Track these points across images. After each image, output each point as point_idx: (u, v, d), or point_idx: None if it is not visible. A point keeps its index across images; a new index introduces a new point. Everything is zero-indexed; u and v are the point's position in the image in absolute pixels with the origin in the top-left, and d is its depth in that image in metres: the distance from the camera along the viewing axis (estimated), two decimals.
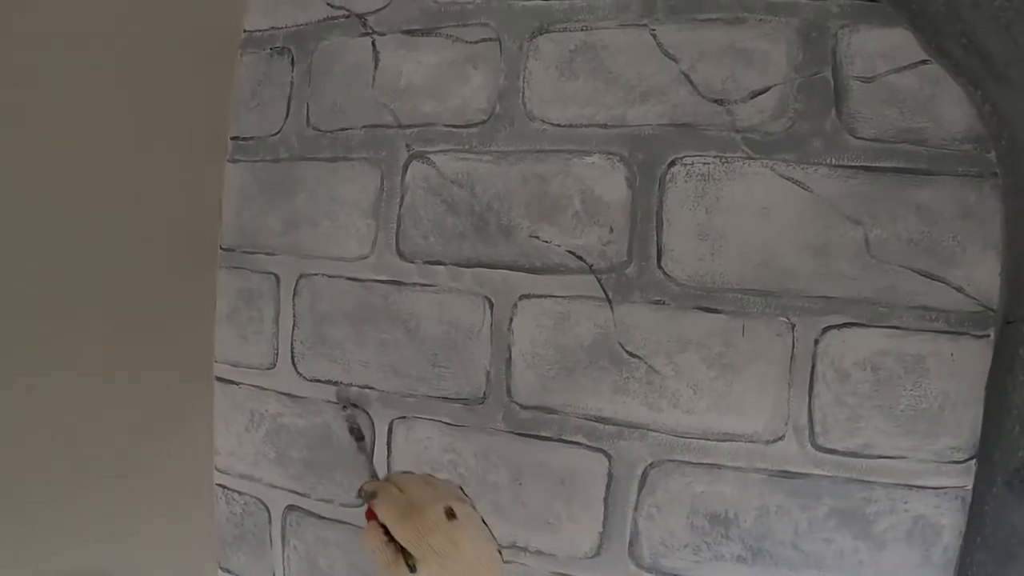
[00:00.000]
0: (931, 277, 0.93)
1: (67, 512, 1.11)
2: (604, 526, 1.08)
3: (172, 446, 1.29)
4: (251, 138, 1.34)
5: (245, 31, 1.35)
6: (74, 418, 1.11)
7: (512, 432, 1.13)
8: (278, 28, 1.32)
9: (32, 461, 1.06)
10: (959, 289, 0.92)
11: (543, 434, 1.11)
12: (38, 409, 1.07)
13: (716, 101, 1.01)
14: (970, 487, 0.92)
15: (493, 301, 1.14)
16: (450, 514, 0.70)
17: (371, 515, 0.75)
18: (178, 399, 1.31)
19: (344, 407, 1.11)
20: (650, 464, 1.05)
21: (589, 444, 1.08)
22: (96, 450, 1.15)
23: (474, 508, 0.74)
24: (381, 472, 0.82)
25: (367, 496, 0.76)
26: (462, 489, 0.77)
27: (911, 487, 0.94)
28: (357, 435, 1.02)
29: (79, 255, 1.11)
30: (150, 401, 1.23)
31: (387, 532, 0.71)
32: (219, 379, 1.37)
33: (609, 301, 1.07)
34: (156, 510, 1.25)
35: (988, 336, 0.91)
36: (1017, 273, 0.88)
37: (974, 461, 0.92)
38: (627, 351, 1.06)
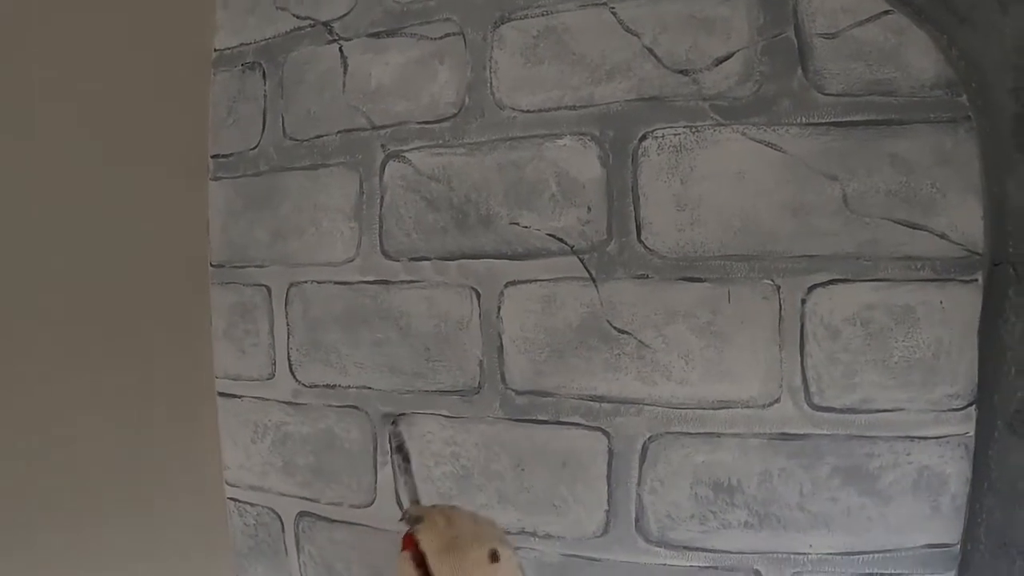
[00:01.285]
0: (913, 226, 0.93)
1: (82, 540, 1.12)
2: (609, 504, 1.08)
3: (181, 465, 1.31)
4: (231, 154, 1.35)
5: (216, 50, 1.37)
6: (80, 445, 1.13)
7: (510, 419, 1.14)
8: (247, 44, 1.33)
9: (41, 490, 1.07)
10: (942, 236, 0.92)
11: (540, 418, 1.12)
12: (44, 439, 1.08)
13: (681, 72, 1.02)
14: (972, 433, 0.92)
15: (480, 291, 1.15)
16: (493, 557, 0.71)
17: (409, 542, 0.75)
18: (183, 418, 1.32)
19: (393, 422, 1.14)
20: (649, 438, 1.05)
21: (587, 424, 1.09)
22: (105, 476, 1.16)
23: (514, 553, 0.75)
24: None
25: (412, 520, 0.76)
26: (504, 533, 0.78)
27: (912, 438, 0.94)
28: (404, 456, 1.05)
29: (70, 286, 1.12)
30: (155, 423, 1.25)
31: (418, 563, 0.71)
32: (221, 394, 1.39)
33: (593, 280, 1.07)
34: (171, 530, 1.26)
35: (976, 280, 0.91)
36: (999, 214, 0.88)
37: (973, 407, 0.92)
38: (615, 328, 1.06)
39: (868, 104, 0.94)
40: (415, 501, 0.99)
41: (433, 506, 0.79)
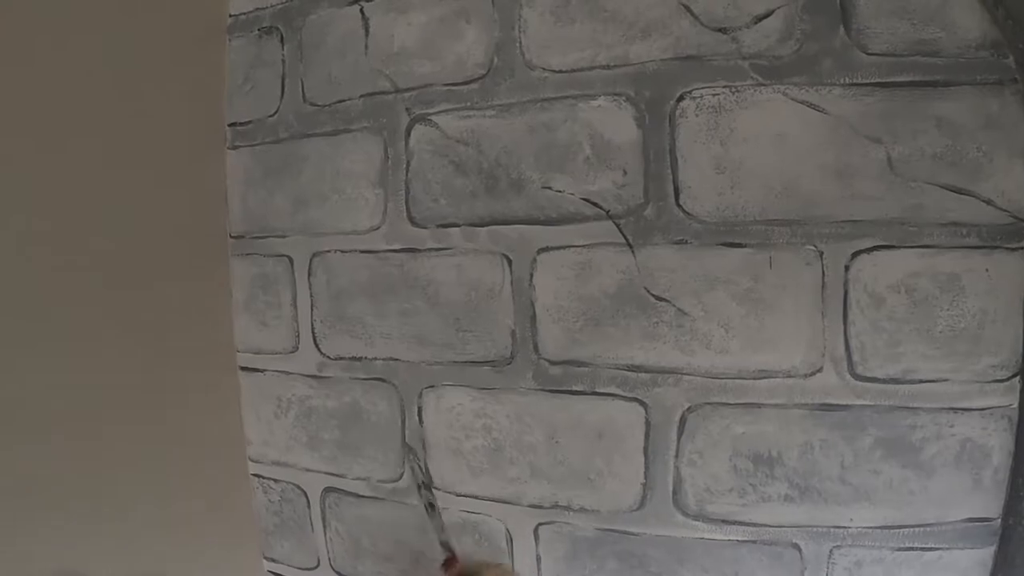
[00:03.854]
0: (959, 191, 0.90)
1: (103, 520, 1.11)
2: (646, 477, 1.06)
3: (204, 442, 1.29)
4: (249, 122, 1.32)
5: (231, 15, 1.33)
6: (101, 424, 1.11)
7: (544, 390, 1.11)
8: (263, 8, 1.30)
9: (63, 470, 1.06)
10: (989, 202, 0.89)
11: (575, 389, 1.09)
12: (64, 417, 1.06)
13: (719, 30, 0.98)
14: (1016, 405, 0.90)
15: (511, 258, 1.11)
16: None
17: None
18: (205, 393, 1.30)
19: (412, 454, 1.14)
20: (687, 409, 1.02)
21: (624, 394, 1.06)
22: (126, 454, 1.14)
23: None
24: None
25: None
26: None
27: (956, 410, 0.92)
28: (430, 492, 1.11)
29: (89, 260, 1.11)
30: (177, 400, 1.23)
31: None
32: (243, 368, 1.37)
33: (630, 246, 1.04)
34: (195, 509, 1.25)
35: (1023, 248, 0.88)
36: None
37: (1018, 378, 0.89)
38: (653, 295, 1.03)
39: (912, 64, 0.90)
40: (444, 542, 1.07)
41: (484, 563, 0.79)
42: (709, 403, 1.02)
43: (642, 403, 1.05)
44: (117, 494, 1.13)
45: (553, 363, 1.11)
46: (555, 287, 1.09)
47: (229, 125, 1.35)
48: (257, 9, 1.31)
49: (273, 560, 1.39)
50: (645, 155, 1.03)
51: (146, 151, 1.19)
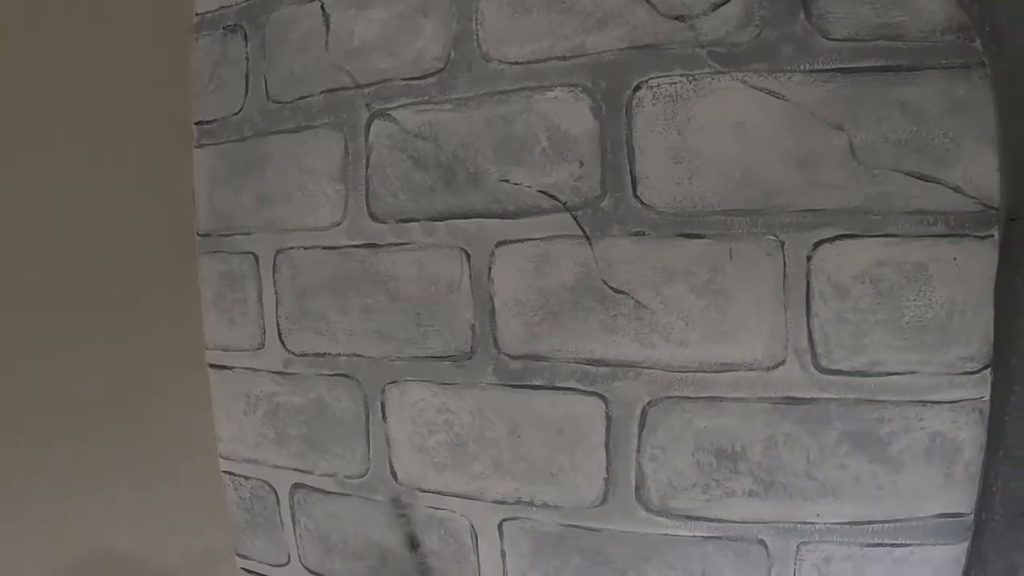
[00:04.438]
0: (925, 179, 0.88)
1: (75, 517, 1.11)
2: (608, 472, 1.05)
3: (175, 440, 1.29)
4: (214, 120, 1.32)
5: (197, 14, 1.33)
6: (71, 421, 1.11)
7: (504, 385, 1.10)
8: (228, 6, 1.30)
9: (33, 466, 1.06)
10: (956, 189, 0.87)
11: (535, 383, 1.08)
12: (34, 414, 1.06)
13: (677, 18, 0.96)
14: (987, 398, 0.88)
15: (470, 252, 1.11)
16: None
17: None
18: (175, 391, 1.30)
19: (403, 514, 1.16)
20: (648, 403, 1.01)
21: (583, 388, 1.05)
22: (97, 451, 1.14)
23: None
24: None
25: None
26: None
27: (925, 403, 0.90)
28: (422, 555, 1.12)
29: (57, 259, 1.10)
30: (146, 397, 1.23)
31: None
32: (212, 365, 1.36)
33: (587, 238, 1.03)
34: (167, 507, 1.25)
35: (992, 236, 0.87)
36: (1016, 166, 0.83)
37: (989, 370, 0.88)
38: (612, 287, 1.02)
39: (875, 49, 0.89)
40: None
41: None
42: (670, 397, 1.00)
43: (602, 397, 1.04)
44: (87, 489, 1.13)
45: (513, 357, 1.10)
46: (514, 281, 1.08)
47: (196, 124, 1.34)
48: (222, 7, 1.30)
49: (245, 557, 1.39)
50: (602, 146, 1.02)
51: (115, 150, 1.19)
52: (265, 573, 1.37)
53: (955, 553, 0.92)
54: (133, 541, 1.19)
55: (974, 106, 0.86)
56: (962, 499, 0.91)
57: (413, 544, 1.17)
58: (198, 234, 1.35)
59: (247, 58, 1.28)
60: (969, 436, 0.90)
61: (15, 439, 1.04)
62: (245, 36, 1.28)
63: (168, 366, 1.28)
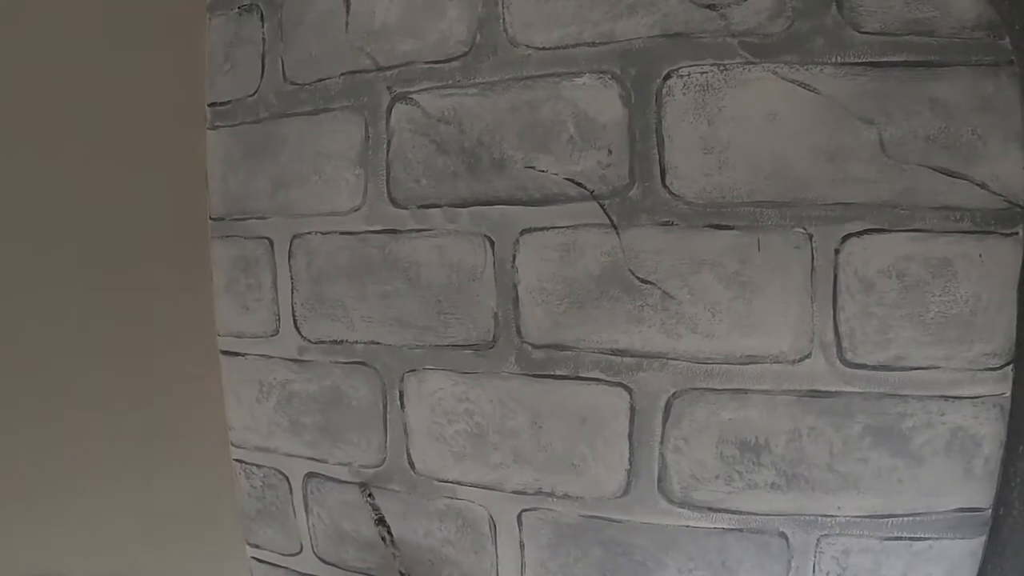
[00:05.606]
0: (952, 175, 0.88)
1: (84, 506, 1.09)
2: (631, 463, 1.04)
3: (186, 428, 1.27)
4: (228, 102, 1.29)
5: None
6: (80, 409, 1.09)
7: (526, 374, 1.09)
8: None
9: (42, 455, 1.04)
10: (983, 186, 0.87)
11: (559, 373, 1.07)
12: (43, 401, 1.04)
13: (708, 7, 0.95)
14: (1008, 394, 0.88)
15: (494, 239, 1.09)
16: None
17: None
18: (185, 378, 1.28)
19: (369, 494, 1.15)
20: (673, 394, 1.01)
21: (608, 379, 1.04)
22: (107, 439, 1.13)
23: None
24: None
25: None
26: None
27: (947, 398, 0.90)
28: (387, 528, 1.13)
29: (67, 244, 1.08)
30: (157, 384, 1.21)
31: None
32: (224, 352, 1.34)
33: (615, 227, 1.02)
34: (178, 496, 1.24)
35: (1017, 234, 0.86)
36: None
37: (1011, 367, 0.87)
38: (638, 277, 1.01)
39: (906, 44, 0.88)
40: (403, 573, 1.08)
41: None
42: (695, 388, 1.00)
43: (627, 388, 1.04)
44: (96, 477, 1.11)
45: (536, 347, 1.09)
46: (538, 269, 1.07)
47: (209, 105, 1.32)
48: None
49: (256, 546, 1.37)
50: (631, 134, 1.00)
51: (125, 132, 1.16)
52: (276, 563, 1.36)
53: (972, 548, 0.92)
54: (140, 528, 1.17)
55: (1002, 104, 0.86)
56: (981, 494, 0.91)
57: (384, 535, 1.16)
58: (211, 218, 1.33)
59: (263, 39, 1.25)
60: (990, 432, 0.90)
61: (21, 425, 1.02)
62: (261, 16, 1.25)
63: (179, 352, 1.26)
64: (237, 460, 1.37)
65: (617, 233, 1.02)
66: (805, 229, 0.93)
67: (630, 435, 1.04)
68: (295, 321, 1.26)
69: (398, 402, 1.19)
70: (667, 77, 0.98)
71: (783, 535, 0.98)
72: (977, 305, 0.89)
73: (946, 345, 0.90)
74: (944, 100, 0.88)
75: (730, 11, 0.94)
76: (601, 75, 1.01)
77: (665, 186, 0.99)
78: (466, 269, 1.12)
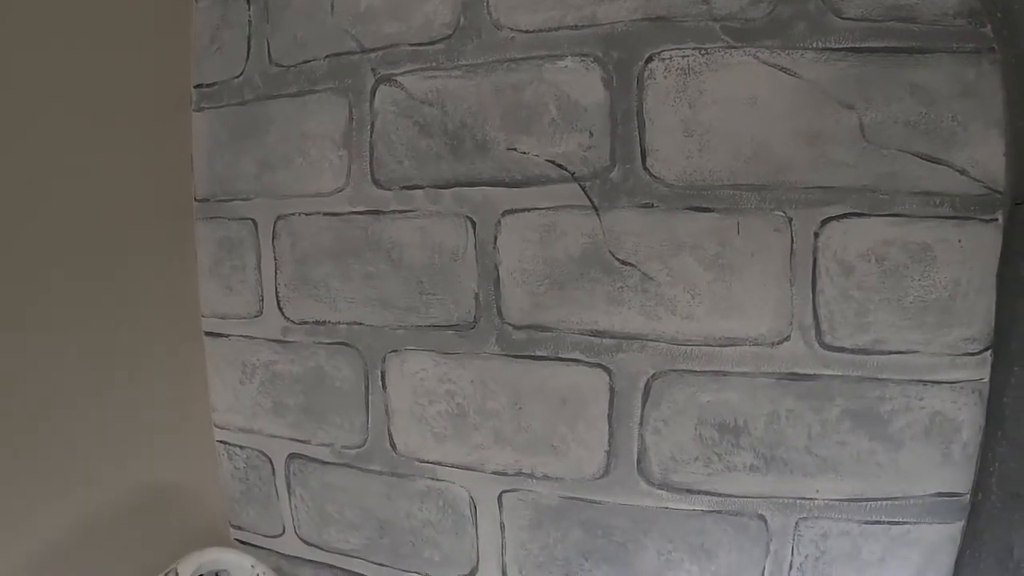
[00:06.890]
0: (932, 160, 0.88)
1: (67, 491, 1.09)
2: (610, 444, 1.04)
3: (168, 409, 1.27)
4: (214, 84, 1.29)
5: None
6: (64, 391, 1.09)
7: (507, 355, 1.10)
8: None
9: (27, 440, 1.04)
10: (963, 171, 0.87)
11: (539, 354, 1.07)
12: (27, 388, 1.04)
13: None
14: (987, 379, 0.89)
15: (475, 220, 1.10)
16: None
17: None
18: (170, 359, 1.28)
19: None
20: (652, 376, 1.01)
21: (587, 360, 1.05)
22: (91, 422, 1.13)
23: None
24: None
25: None
26: None
27: (926, 382, 0.91)
28: None
29: (52, 225, 1.07)
30: (141, 365, 1.21)
31: None
32: (208, 333, 1.34)
33: (595, 208, 1.02)
34: (162, 478, 1.23)
35: (996, 220, 0.87)
36: (1022, 151, 0.83)
37: (990, 352, 0.88)
38: (618, 259, 1.02)
39: (888, 30, 0.88)
40: None
41: None
42: (674, 370, 1.00)
43: (606, 369, 1.04)
44: (80, 460, 1.11)
45: (517, 328, 1.09)
46: (519, 250, 1.07)
47: (195, 87, 1.31)
48: None
49: (239, 528, 1.38)
50: (612, 117, 1.01)
51: (111, 114, 1.16)
52: (260, 544, 1.36)
53: (951, 532, 0.93)
54: (125, 512, 1.17)
55: (983, 90, 0.87)
56: (960, 479, 0.92)
57: None
58: (195, 199, 1.33)
59: (250, 21, 1.25)
60: (968, 417, 0.90)
61: (4, 408, 1.02)
62: None
63: (162, 334, 1.26)
64: (221, 441, 1.37)
65: (598, 215, 1.03)
66: (785, 212, 0.94)
67: (610, 416, 1.05)
68: (279, 302, 1.27)
69: (380, 383, 1.20)
70: (649, 60, 0.98)
71: (762, 517, 0.98)
72: (956, 290, 0.89)
73: (925, 329, 0.91)
74: (925, 86, 0.88)
75: None
76: (584, 58, 1.02)
77: (646, 168, 0.99)
78: (448, 250, 1.12)
